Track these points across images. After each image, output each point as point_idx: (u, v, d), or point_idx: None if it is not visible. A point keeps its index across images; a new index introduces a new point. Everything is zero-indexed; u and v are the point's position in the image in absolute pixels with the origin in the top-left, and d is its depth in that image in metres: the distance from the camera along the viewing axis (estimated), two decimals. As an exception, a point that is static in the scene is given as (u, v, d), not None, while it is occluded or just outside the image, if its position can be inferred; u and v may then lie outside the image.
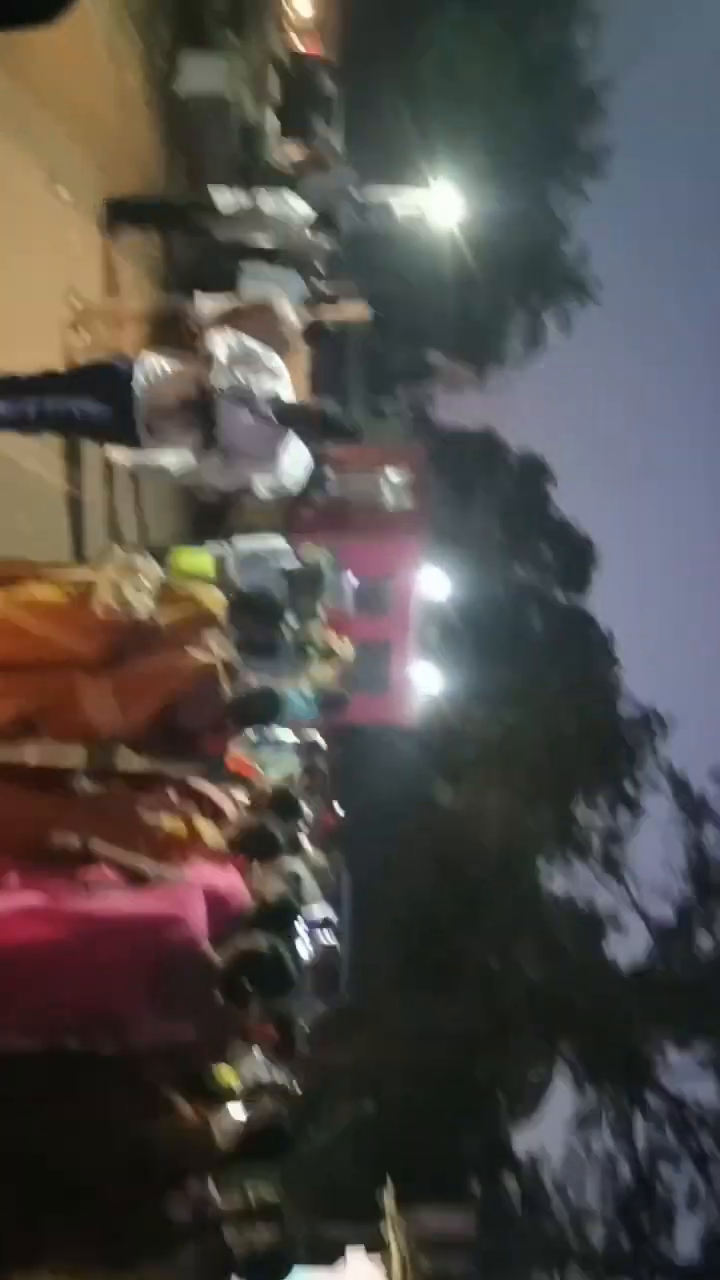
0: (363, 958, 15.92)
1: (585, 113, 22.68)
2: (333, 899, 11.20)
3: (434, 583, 11.83)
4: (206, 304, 6.13)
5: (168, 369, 4.57)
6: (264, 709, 3.74)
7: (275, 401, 4.64)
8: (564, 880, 22.19)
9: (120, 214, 6.78)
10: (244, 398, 4.54)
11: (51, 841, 3.03)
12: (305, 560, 7.72)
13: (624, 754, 22.02)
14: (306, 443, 5.07)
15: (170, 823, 3.61)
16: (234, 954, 3.01)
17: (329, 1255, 8.94)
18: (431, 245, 16.35)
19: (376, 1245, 8.73)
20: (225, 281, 7.05)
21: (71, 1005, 2.82)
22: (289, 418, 4.70)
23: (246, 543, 7.11)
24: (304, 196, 7.39)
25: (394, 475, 10.27)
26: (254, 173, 8.52)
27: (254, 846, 3.70)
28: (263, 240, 7.43)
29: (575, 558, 25.37)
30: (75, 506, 6.10)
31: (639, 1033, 19.76)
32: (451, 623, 14.99)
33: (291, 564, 6.94)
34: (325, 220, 7.57)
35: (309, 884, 6.18)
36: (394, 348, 10.47)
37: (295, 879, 6.30)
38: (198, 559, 5.93)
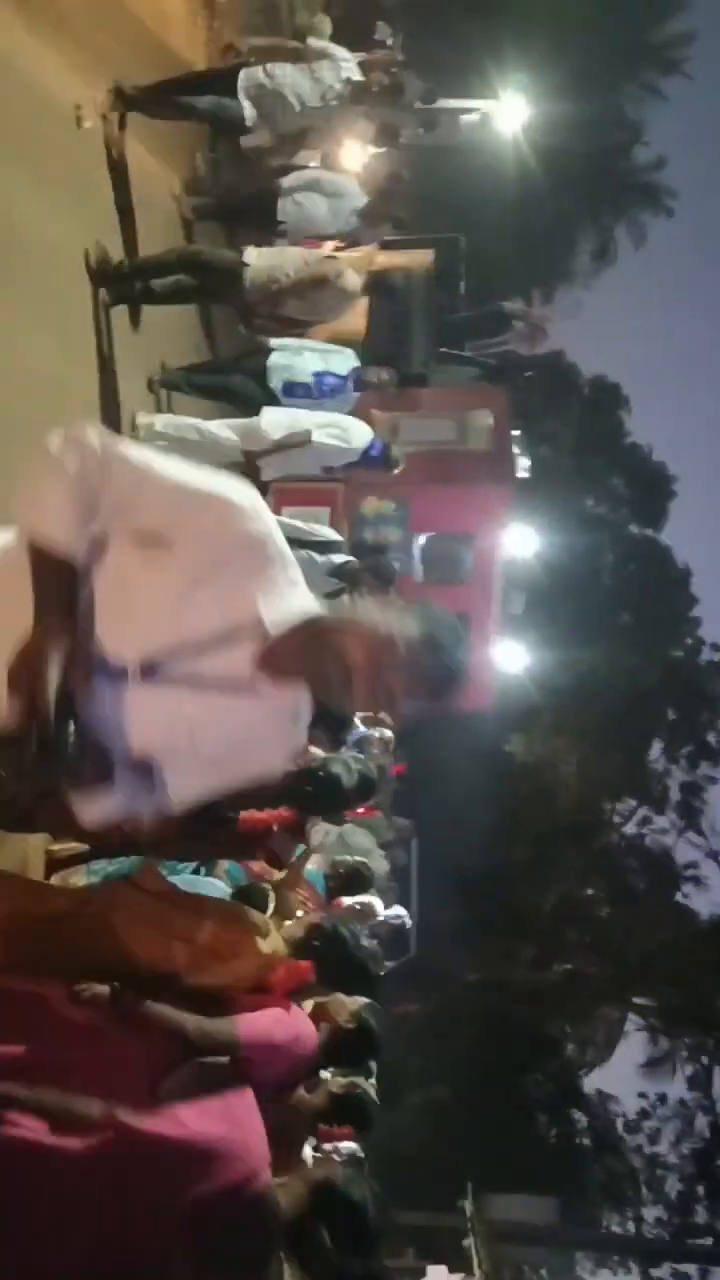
0: (432, 914, 15.44)
1: (663, 3, 20.82)
2: (402, 869, 10.62)
3: (520, 540, 10.11)
4: (261, 260, 5.41)
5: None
6: (325, 800, 3.03)
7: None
8: (640, 831, 21.56)
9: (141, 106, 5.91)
10: None
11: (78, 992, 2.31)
12: (364, 513, 6.95)
13: (703, 701, 21.08)
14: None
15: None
16: (306, 1191, 2.26)
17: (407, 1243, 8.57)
18: (497, 157, 15.16)
19: (456, 1249, 8.32)
20: (268, 210, 6.25)
21: (82, 1235, 2.08)
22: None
23: (288, 519, 6.27)
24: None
25: (474, 417, 9.08)
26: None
27: (321, 953, 2.90)
28: (312, 159, 6.62)
29: (650, 489, 23.97)
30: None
31: (716, 984, 19.21)
32: (538, 584, 13.49)
33: (342, 556, 6.11)
34: (386, 134, 6.72)
35: (378, 902, 5.58)
36: (463, 298, 9.42)
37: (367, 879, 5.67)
38: None
